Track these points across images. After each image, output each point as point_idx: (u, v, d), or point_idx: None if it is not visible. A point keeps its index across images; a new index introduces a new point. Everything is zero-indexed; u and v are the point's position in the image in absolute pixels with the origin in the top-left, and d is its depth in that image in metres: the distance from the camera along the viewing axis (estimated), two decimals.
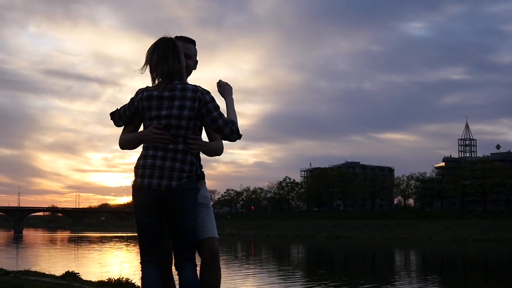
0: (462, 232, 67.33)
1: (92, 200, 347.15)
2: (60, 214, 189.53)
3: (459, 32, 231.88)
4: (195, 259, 3.66)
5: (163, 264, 3.71)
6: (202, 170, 3.89)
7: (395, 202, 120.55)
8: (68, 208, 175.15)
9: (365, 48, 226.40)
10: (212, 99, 3.61)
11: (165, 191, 3.46)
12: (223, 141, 3.82)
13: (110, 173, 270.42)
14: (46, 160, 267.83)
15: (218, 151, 3.85)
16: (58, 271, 17.51)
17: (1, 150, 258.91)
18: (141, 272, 3.64)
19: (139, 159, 3.58)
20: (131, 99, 3.65)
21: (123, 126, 3.75)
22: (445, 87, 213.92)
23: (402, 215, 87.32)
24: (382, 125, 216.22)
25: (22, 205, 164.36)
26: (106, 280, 12.10)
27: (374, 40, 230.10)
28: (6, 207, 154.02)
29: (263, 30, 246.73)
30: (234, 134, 3.63)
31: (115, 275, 13.07)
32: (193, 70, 3.97)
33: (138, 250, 3.66)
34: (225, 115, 3.67)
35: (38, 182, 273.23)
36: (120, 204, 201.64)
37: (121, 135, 3.73)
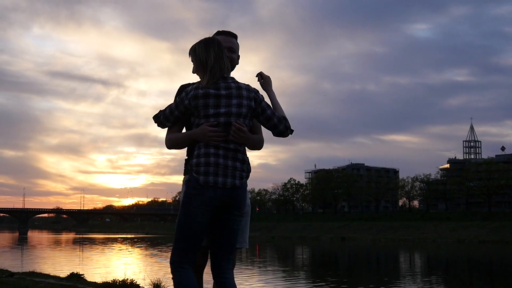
0: (467, 234, 67.22)
1: (96, 202, 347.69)
2: (65, 216, 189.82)
3: (463, 33, 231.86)
4: (234, 263, 3.63)
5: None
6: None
7: (400, 203, 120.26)
8: (72, 209, 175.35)
9: (369, 49, 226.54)
10: (263, 97, 3.65)
11: (230, 189, 3.44)
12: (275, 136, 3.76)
13: (114, 174, 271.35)
14: (51, 162, 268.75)
15: (259, 144, 3.79)
16: (63, 272, 17.54)
17: (5, 152, 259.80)
18: (176, 272, 3.46)
19: (197, 157, 3.47)
20: (180, 97, 3.55)
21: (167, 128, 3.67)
22: (450, 88, 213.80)
23: (406, 217, 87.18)
24: (387, 127, 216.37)
25: (27, 206, 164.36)
26: (110, 282, 12.09)
27: (379, 41, 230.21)
28: (11, 208, 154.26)
29: (267, 31, 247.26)
30: (288, 130, 3.66)
31: (120, 277, 13.08)
32: (236, 65, 3.92)
33: (174, 249, 3.48)
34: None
35: (42, 184, 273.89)
36: (125, 206, 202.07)
37: (168, 135, 3.65)
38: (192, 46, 3.61)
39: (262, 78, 3.94)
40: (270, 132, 3.69)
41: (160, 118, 3.63)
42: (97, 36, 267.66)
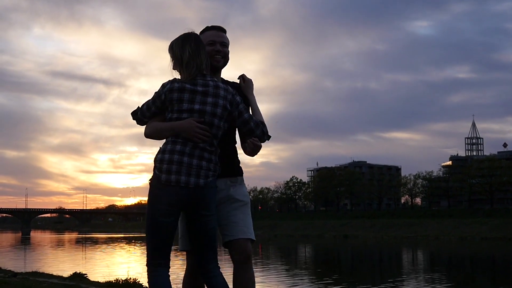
0: (470, 231, 67.17)
1: (99, 201, 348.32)
2: (67, 216, 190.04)
3: (465, 30, 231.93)
4: (217, 261, 3.55)
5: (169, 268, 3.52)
6: (240, 165, 3.82)
7: (402, 201, 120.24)
8: (75, 209, 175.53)
9: (370, 47, 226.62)
10: (241, 99, 3.57)
11: (193, 188, 3.35)
12: None
13: (116, 174, 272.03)
14: (53, 162, 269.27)
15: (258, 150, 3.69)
16: (66, 272, 17.55)
17: (8, 152, 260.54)
18: (149, 275, 3.44)
19: (162, 153, 3.40)
20: (157, 92, 3.48)
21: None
22: (451, 86, 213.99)
23: (409, 214, 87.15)
24: (389, 124, 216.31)
25: (29, 206, 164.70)
26: (113, 281, 12.09)
27: (380, 39, 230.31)
28: (14, 208, 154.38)
29: (268, 30, 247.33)
30: (265, 136, 3.61)
31: (122, 276, 13.07)
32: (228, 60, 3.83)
33: (147, 251, 3.46)
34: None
35: (45, 184, 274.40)
36: (127, 205, 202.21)
37: (149, 123, 3.53)
38: (171, 42, 3.56)
39: (244, 81, 3.85)
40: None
41: (138, 115, 3.56)
42: (98, 35, 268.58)
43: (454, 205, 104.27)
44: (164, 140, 3.48)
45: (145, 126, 3.55)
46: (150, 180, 3.43)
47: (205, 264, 3.50)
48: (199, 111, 3.39)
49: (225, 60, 3.76)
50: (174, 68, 3.55)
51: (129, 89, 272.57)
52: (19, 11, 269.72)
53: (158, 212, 3.37)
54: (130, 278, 12.38)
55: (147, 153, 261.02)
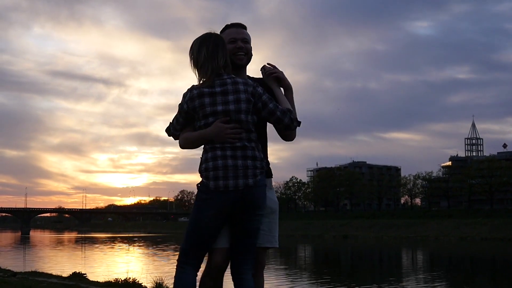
0: (469, 231, 67.13)
1: (98, 201, 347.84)
2: (67, 215, 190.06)
3: (464, 31, 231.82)
4: (253, 264, 3.53)
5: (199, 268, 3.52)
6: (270, 167, 3.76)
7: (402, 201, 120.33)
8: (75, 209, 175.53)
9: (370, 47, 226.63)
10: (264, 90, 3.51)
11: (243, 190, 3.32)
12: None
13: (116, 173, 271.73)
14: (53, 161, 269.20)
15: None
16: (65, 272, 17.52)
17: (7, 152, 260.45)
18: (177, 270, 3.45)
19: (205, 162, 3.37)
20: (179, 105, 3.46)
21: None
22: (451, 86, 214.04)
23: (409, 215, 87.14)
24: (388, 125, 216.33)
25: (29, 206, 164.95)
26: (113, 281, 12.09)
27: (380, 39, 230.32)
28: (13, 208, 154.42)
29: (268, 30, 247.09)
30: (294, 123, 3.53)
31: (122, 276, 13.06)
32: (251, 56, 3.80)
33: (182, 249, 3.46)
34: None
35: (44, 183, 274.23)
36: (127, 205, 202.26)
37: (181, 134, 3.52)
38: (192, 44, 3.53)
39: (266, 72, 3.78)
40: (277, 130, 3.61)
41: (171, 131, 3.57)
42: (98, 35, 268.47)
43: (454, 205, 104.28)
44: (203, 148, 3.46)
45: (179, 139, 3.55)
46: (198, 184, 3.42)
47: (240, 264, 3.47)
48: (223, 112, 3.35)
49: (248, 56, 3.73)
50: (193, 69, 3.51)
51: (129, 88, 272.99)
52: (19, 10, 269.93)
53: (206, 218, 3.36)
54: (130, 278, 12.38)
55: (147, 152, 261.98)
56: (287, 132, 3.62)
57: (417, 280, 24.57)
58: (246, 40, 3.73)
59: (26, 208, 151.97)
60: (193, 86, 3.45)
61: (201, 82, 3.44)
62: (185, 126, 3.50)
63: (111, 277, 13.31)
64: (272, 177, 3.79)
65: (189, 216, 3.49)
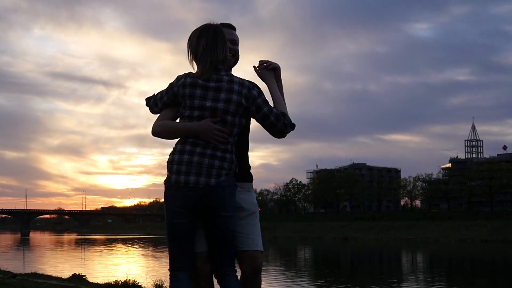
0: (469, 233, 67.13)
1: (98, 203, 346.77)
2: (66, 217, 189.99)
3: (464, 32, 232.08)
4: (234, 265, 3.43)
5: (193, 271, 3.40)
6: (250, 172, 3.66)
7: (402, 203, 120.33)
8: (74, 210, 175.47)
9: (370, 49, 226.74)
10: (260, 93, 3.38)
11: (203, 188, 3.22)
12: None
13: (116, 175, 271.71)
14: (52, 163, 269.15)
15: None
16: (65, 273, 17.53)
17: (7, 153, 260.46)
18: (171, 280, 3.36)
19: (172, 154, 3.31)
20: (170, 84, 3.38)
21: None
22: (451, 88, 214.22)
23: (408, 216, 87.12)
24: (388, 126, 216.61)
25: (28, 207, 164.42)
26: (113, 283, 12.09)
27: (380, 41, 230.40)
28: (13, 209, 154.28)
29: (268, 31, 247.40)
30: (288, 128, 3.39)
31: (122, 277, 13.06)
32: (238, 58, 3.73)
33: (169, 256, 3.39)
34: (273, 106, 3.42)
35: (44, 185, 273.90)
36: (127, 206, 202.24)
37: (158, 121, 3.41)
38: (190, 34, 3.44)
39: (260, 68, 3.70)
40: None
41: (150, 102, 3.48)
42: (98, 37, 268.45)
43: (454, 207, 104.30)
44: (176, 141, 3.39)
45: (154, 124, 3.43)
46: (164, 181, 3.36)
47: (220, 267, 3.39)
48: (210, 108, 3.27)
49: (235, 58, 3.67)
50: (190, 60, 3.43)
51: (128, 90, 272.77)
52: (19, 12, 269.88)
53: (171, 214, 3.30)
54: (129, 279, 12.38)
55: (147, 154, 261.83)
56: (279, 135, 3.44)
57: (417, 282, 24.57)
58: (235, 42, 3.68)
59: (26, 209, 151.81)
60: (190, 72, 3.37)
61: (196, 73, 3.37)
62: (166, 106, 3.42)
63: (111, 279, 13.31)
64: (252, 181, 3.67)
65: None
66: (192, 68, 3.42)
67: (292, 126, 3.40)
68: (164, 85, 3.48)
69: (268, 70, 3.67)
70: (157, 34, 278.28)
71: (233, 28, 3.72)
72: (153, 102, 3.46)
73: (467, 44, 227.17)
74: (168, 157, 3.35)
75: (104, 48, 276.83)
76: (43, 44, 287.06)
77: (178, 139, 3.36)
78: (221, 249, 3.36)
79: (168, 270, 3.38)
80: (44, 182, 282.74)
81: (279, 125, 3.35)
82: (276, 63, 3.73)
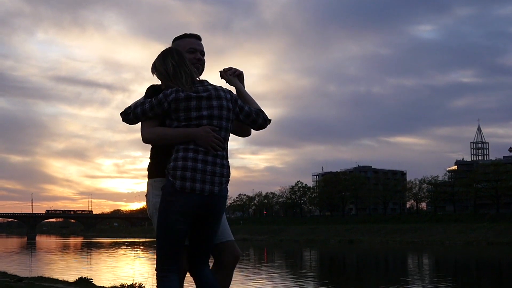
0: (475, 236, 66.95)
1: (104, 206, 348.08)
2: (72, 221, 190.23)
3: (469, 34, 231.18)
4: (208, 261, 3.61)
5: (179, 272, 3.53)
6: None
7: (408, 206, 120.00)
8: (80, 214, 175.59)
9: (374, 51, 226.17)
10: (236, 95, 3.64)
11: (208, 196, 3.34)
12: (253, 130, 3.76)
13: (121, 179, 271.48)
14: (58, 167, 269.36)
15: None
16: (71, 277, 17.56)
17: (12, 157, 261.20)
18: (159, 280, 3.41)
19: (175, 160, 3.36)
20: (157, 100, 3.39)
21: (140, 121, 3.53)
22: (456, 90, 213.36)
23: (414, 219, 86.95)
24: (393, 129, 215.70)
25: (34, 211, 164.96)
26: (119, 286, 12.12)
27: (384, 43, 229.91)
28: (19, 213, 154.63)
29: (272, 34, 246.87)
30: (267, 122, 3.65)
31: (128, 281, 13.09)
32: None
33: (157, 257, 3.43)
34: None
35: (50, 189, 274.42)
36: (132, 210, 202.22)
37: (150, 128, 3.48)
38: (152, 63, 3.54)
39: (228, 74, 3.80)
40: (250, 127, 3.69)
41: (130, 116, 3.50)
42: (101, 40, 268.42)
43: (460, 210, 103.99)
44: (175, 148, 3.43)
45: (144, 129, 3.50)
46: (162, 187, 3.41)
47: (198, 265, 3.54)
48: (208, 117, 3.38)
49: (202, 68, 3.77)
50: (164, 87, 3.50)
51: (133, 94, 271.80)
52: (22, 16, 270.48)
53: (172, 220, 3.34)
54: (136, 283, 12.40)
55: None
56: (254, 130, 3.71)
57: (423, 285, 24.53)
58: (203, 53, 3.80)
59: (32, 213, 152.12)
60: (177, 88, 3.40)
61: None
62: (150, 119, 3.47)
63: (117, 282, 13.34)
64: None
65: (157, 221, 3.44)
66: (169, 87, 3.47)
67: (269, 121, 3.66)
68: None
69: (235, 75, 3.82)
70: (160, 38, 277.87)
71: (200, 39, 3.82)
72: (134, 117, 3.50)
73: (471, 46, 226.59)
74: (169, 164, 3.39)
75: (107, 52, 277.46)
76: (46, 48, 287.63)
77: (177, 146, 3.41)
78: (206, 248, 3.54)
79: (156, 271, 3.45)
80: (49, 186, 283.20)
81: (260, 120, 3.61)
82: (240, 70, 3.86)
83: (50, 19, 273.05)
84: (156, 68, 3.51)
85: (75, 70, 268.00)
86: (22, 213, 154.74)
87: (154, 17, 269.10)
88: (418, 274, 31.13)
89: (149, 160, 3.70)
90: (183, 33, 3.82)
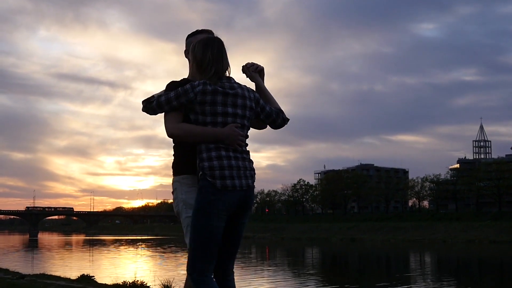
0: (477, 234, 66.94)
1: (106, 204, 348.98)
2: (75, 218, 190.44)
3: (470, 33, 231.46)
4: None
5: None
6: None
7: (410, 204, 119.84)
8: (82, 211, 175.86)
9: (376, 50, 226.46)
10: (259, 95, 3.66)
11: (246, 190, 3.39)
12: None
13: (123, 176, 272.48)
14: (60, 164, 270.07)
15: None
16: (73, 274, 17.60)
17: (14, 154, 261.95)
18: (199, 282, 3.30)
19: (209, 160, 3.32)
20: (183, 89, 3.35)
21: (163, 113, 3.46)
22: (458, 88, 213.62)
23: (416, 217, 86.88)
24: (395, 127, 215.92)
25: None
26: (121, 283, 12.12)
27: (386, 41, 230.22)
28: (21, 210, 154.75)
29: (274, 32, 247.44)
30: (286, 122, 3.73)
31: (130, 278, 13.09)
32: None
33: (193, 258, 3.32)
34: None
35: (52, 186, 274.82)
36: (134, 207, 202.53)
37: (173, 123, 3.40)
38: (192, 44, 3.53)
39: (250, 70, 3.80)
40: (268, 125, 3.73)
41: (153, 104, 3.44)
42: (103, 38, 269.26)
43: (462, 208, 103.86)
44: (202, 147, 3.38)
45: (169, 122, 3.41)
46: (200, 188, 3.35)
47: (227, 266, 3.52)
48: (232, 114, 3.40)
49: None
50: (191, 70, 3.56)
51: (135, 91, 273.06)
52: (25, 13, 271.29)
53: (214, 218, 3.30)
54: (138, 280, 12.40)
55: (154, 155, 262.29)
56: (272, 129, 3.77)
57: (425, 283, 24.52)
58: None
59: (34, 210, 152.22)
60: (206, 81, 3.38)
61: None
62: (173, 110, 3.41)
63: (119, 280, 13.35)
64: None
65: (192, 222, 3.37)
66: (197, 77, 3.47)
67: (287, 120, 3.75)
68: None
69: (256, 72, 3.83)
70: (162, 35, 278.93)
71: (212, 34, 3.79)
72: (157, 105, 3.43)
73: (473, 44, 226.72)
74: (204, 164, 3.33)
75: (109, 49, 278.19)
76: (48, 45, 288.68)
77: (206, 145, 3.36)
78: (234, 251, 3.53)
79: (192, 273, 3.34)
80: (51, 183, 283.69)
81: (279, 121, 3.69)
82: (261, 65, 3.88)
83: (52, 16, 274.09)
84: (195, 52, 3.49)
85: (77, 67, 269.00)
86: (24, 210, 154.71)
87: (156, 15, 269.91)
88: (420, 272, 31.12)
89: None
90: (195, 30, 3.82)
